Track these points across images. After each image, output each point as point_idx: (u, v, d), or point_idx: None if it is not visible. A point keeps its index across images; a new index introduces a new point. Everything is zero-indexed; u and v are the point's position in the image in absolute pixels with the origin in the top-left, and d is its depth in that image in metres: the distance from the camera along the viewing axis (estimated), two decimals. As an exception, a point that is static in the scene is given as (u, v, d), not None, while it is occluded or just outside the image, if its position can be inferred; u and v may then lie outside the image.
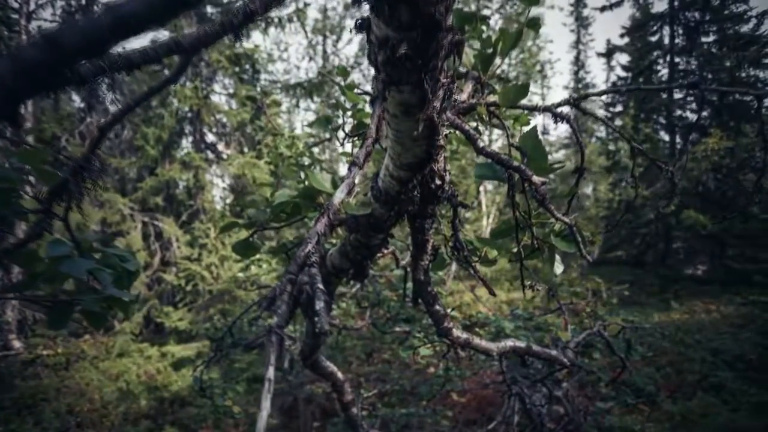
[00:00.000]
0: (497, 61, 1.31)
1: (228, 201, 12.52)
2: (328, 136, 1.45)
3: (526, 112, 1.25)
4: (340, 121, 1.49)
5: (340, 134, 1.53)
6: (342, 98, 1.47)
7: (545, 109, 1.20)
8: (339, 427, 5.37)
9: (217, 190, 12.28)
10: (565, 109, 1.24)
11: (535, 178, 1.03)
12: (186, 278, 10.38)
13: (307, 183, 1.53)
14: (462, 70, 1.39)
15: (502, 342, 1.83)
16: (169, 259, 10.81)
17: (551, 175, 1.20)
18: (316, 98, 13.66)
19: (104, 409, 6.98)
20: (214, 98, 11.38)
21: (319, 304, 0.46)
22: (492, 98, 1.31)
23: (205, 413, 6.47)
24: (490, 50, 1.26)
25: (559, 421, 5.04)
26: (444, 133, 1.05)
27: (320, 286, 0.50)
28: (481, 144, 1.14)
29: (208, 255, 10.28)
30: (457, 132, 1.29)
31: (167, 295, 11.33)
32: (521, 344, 1.90)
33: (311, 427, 6.65)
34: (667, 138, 17.49)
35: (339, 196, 0.66)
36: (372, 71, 0.87)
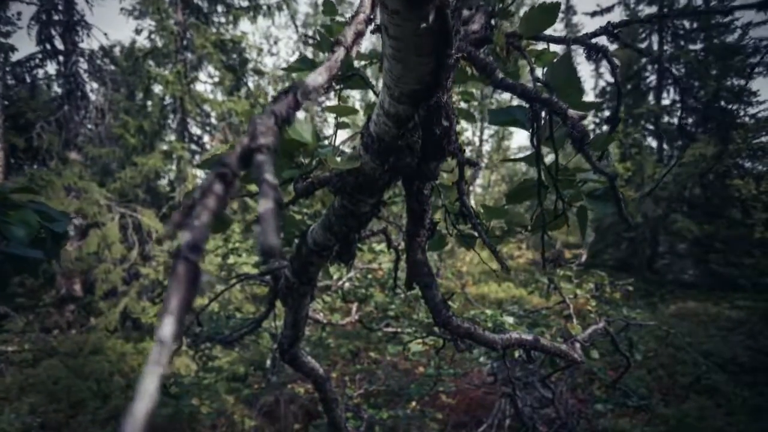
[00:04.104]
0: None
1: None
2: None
3: (551, 47, 1.02)
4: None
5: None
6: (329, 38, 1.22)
7: (576, 41, 0.98)
8: (321, 430, 5.10)
9: (201, 182, 11.91)
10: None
11: (571, 112, 0.80)
12: (165, 272, 9.98)
13: (284, 136, 1.29)
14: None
15: (506, 334, 1.60)
16: (148, 252, 10.39)
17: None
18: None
19: (72, 410, 6.57)
20: (200, 87, 11.00)
21: (266, 204, 0.27)
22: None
23: (181, 414, 6.13)
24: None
25: (551, 424, 4.86)
26: (456, 53, 0.82)
27: (269, 177, 0.27)
28: (500, 75, 0.92)
29: (189, 249, 9.89)
30: (468, 67, 1.07)
31: (146, 290, 10.90)
32: (528, 337, 1.67)
33: (292, 429, 6.37)
34: (654, 144, 17.71)
35: (314, 77, 0.42)
36: None
